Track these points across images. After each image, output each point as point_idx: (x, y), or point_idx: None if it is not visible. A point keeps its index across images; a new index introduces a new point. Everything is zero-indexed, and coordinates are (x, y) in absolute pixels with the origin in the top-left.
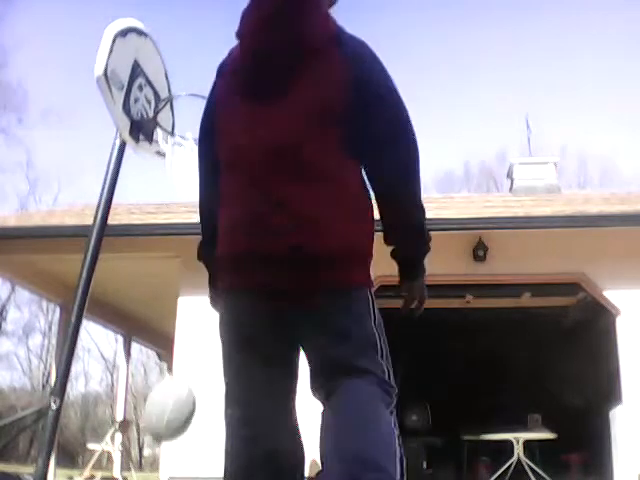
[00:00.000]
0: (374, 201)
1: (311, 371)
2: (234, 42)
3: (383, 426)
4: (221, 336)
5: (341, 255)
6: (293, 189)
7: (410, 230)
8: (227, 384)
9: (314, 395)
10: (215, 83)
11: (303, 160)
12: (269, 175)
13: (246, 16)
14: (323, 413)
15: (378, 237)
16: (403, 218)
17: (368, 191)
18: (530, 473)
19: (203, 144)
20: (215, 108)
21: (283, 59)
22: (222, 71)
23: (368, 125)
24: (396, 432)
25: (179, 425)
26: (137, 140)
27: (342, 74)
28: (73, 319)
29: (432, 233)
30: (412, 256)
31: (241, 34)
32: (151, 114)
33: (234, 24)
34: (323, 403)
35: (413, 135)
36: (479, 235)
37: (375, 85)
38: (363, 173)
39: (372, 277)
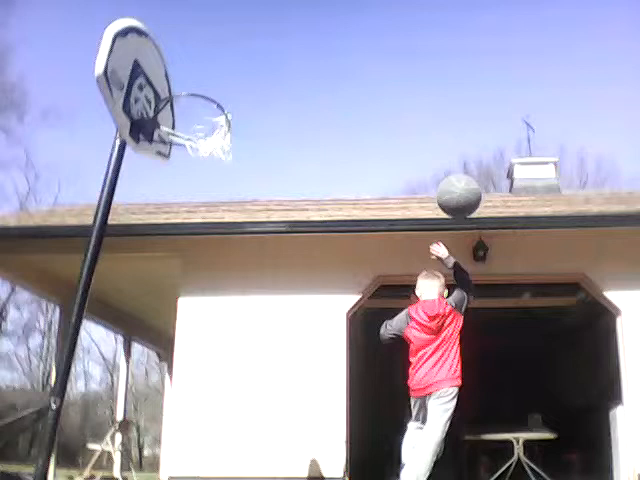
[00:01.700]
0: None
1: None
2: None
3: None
4: None
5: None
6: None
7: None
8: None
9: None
10: (408, 314)
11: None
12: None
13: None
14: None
15: (377, 240)
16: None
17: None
18: (530, 473)
19: (394, 331)
20: (409, 324)
21: (440, 321)
22: (412, 314)
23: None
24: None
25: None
26: (137, 140)
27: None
28: (73, 319)
29: (432, 233)
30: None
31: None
32: (151, 114)
33: (234, 24)
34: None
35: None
36: (479, 235)
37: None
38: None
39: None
